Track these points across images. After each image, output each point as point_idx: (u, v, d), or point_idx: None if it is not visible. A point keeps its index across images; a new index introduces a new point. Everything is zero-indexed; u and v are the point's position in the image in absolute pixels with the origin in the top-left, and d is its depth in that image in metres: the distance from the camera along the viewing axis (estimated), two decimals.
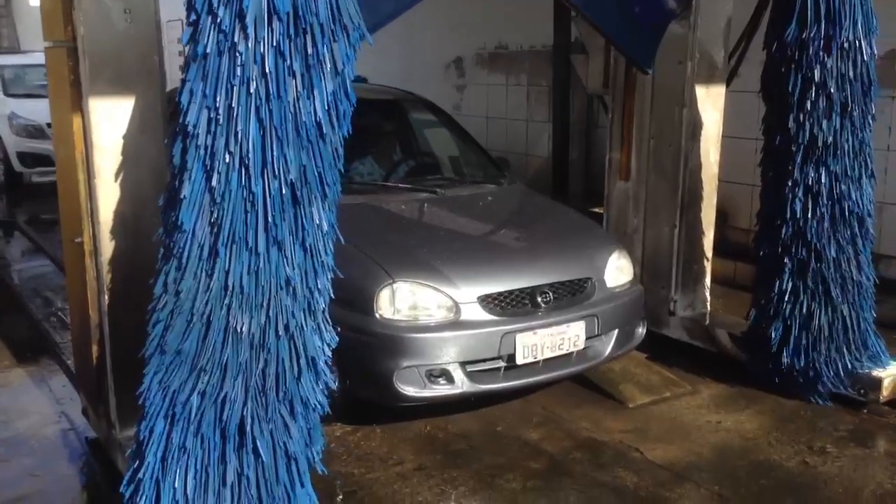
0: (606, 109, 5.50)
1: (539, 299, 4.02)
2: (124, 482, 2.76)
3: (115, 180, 3.21)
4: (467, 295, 3.92)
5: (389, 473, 3.64)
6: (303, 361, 2.70)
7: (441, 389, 3.85)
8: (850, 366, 4.23)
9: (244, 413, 2.63)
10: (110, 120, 3.19)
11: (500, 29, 8.99)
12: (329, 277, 2.77)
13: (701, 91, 4.83)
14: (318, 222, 2.64)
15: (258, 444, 2.66)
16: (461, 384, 3.86)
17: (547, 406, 4.35)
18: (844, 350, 4.22)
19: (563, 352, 4.05)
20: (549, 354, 4.00)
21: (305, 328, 2.68)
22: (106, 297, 3.29)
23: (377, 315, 3.83)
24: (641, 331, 4.49)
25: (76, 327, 3.75)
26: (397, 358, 3.79)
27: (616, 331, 4.27)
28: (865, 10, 3.90)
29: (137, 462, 2.71)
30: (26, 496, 3.48)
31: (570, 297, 4.15)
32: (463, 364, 3.86)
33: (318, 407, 2.81)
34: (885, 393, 4.20)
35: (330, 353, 2.83)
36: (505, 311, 3.97)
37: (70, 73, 3.20)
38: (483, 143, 6.29)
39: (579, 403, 4.40)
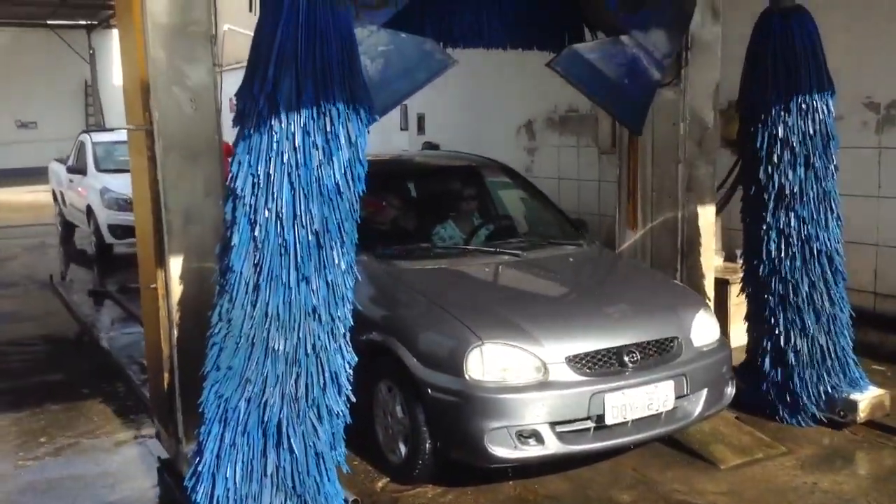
0: None
1: (626, 359, 4.00)
2: (188, 476, 3.43)
3: (183, 235, 3.95)
4: (555, 355, 3.92)
5: None
6: (327, 375, 3.34)
7: (531, 450, 3.85)
8: (830, 390, 4.68)
9: (281, 416, 3.28)
10: (178, 187, 3.93)
11: (570, 92, 9.01)
12: (349, 308, 3.41)
13: (694, 149, 5.41)
14: (337, 262, 3.30)
15: (292, 441, 3.30)
16: (551, 445, 3.84)
17: (637, 467, 4.31)
18: (824, 375, 4.69)
19: (653, 412, 4.01)
20: (638, 415, 3.97)
21: (329, 348, 3.33)
22: (175, 331, 4.00)
23: (467, 376, 3.86)
24: (730, 390, 4.43)
25: (151, 360, 4.49)
26: (487, 419, 3.80)
27: (705, 390, 4.21)
28: (821, 75, 4.48)
29: (198, 459, 3.38)
30: None
31: (657, 356, 4.12)
32: (552, 425, 3.85)
33: (341, 415, 3.43)
34: (863, 414, 4.64)
35: (350, 371, 3.45)
36: (593, 371, 3.96)
37: (147, 151, 3.98)
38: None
39: (670, 465, 4.35)
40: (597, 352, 4.00)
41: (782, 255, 4.61)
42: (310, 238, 3.23)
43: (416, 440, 4.08)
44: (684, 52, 5.23)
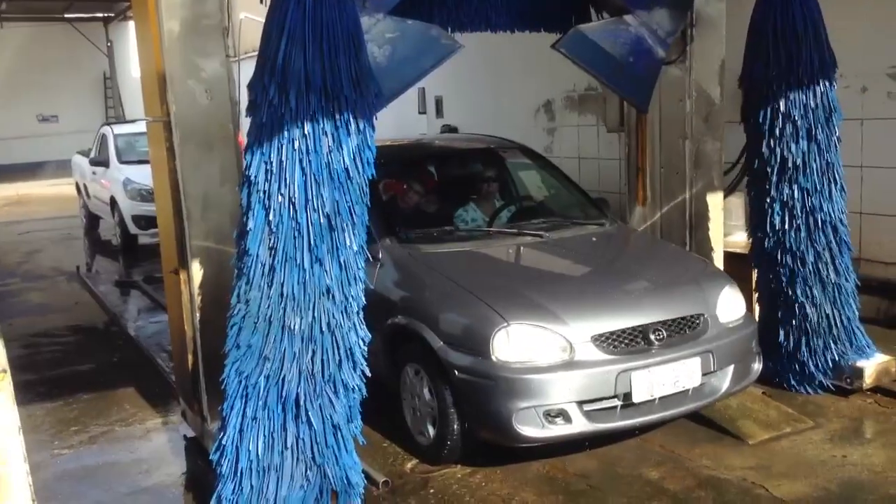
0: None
1: (652, 337, 4.01)
2: (213, 450, 3.60)
3: (202, 221, 4.11)
4: (581, 335, 3.94)
5: None
6: (342, 352, 3.48)
7: (559, 429, 3.88)
8: (837, 358, 4.78)
9: (298, 391, 3.44)
10: (196, 176, 4.10)
11: None
12: (361, 287, 3.55)
13: (700, 125, 5.48)
14: (349, 244, 3.44)
15: (310, 414, 3.46)
16: (579, 424, 3.88)
17: (665, 444, 4.32)
18: (831, 343, 4.78)
19: (680, 389, 4.03)
20: (665, 392, 3.99)
21: (343, 326, 3.47)
22: (198, 314, 4.17)
23: (493, 358, 3.89)
24: (757, 366, 4.42)
25: (175, 342, 4.67)
26: (515, 399, 3.83)
27: (732, 366, 4.22)
28: (821, 50, 4.54)
29: (222, 433, 3.54)
30: None
31: (683, 333, 4.13)
32: (580, 404, 3.88)
33: (357, 389, 3.58)
34: (868, 381, 4.74)
35: (364, 348, 3.59)
36: (619, 349, 3.97)
37: (165, 142, 4.15)
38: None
39: (697, 441, 4.36)
40: (622, 330, 4.02)
41: (787, 226, 4.69)
42: (322, 221, 3.36)
43: (443, 422, 4.13)
44: (689, 29, 5.30)
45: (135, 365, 6.33)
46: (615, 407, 3.96)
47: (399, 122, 11.58)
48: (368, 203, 3.55)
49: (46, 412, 5.32)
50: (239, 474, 3.48)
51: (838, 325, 4.76)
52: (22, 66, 23.84)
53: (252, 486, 3.48)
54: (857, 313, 4.86)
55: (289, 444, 3.48)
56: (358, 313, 3.55)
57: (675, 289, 4.44)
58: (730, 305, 4.37)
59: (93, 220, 13.02)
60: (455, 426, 4.10)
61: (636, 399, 3.93)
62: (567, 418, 3.88)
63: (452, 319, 4.16)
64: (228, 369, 3.50)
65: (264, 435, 3.46)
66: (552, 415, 3.87)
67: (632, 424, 4.05)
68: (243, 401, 3.46)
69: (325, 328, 3.43)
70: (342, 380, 3.52)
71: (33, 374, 6.08)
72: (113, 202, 11.16)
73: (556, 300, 4.13)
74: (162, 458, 4.67)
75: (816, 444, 4.31)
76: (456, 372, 3.99)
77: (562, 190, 5.82)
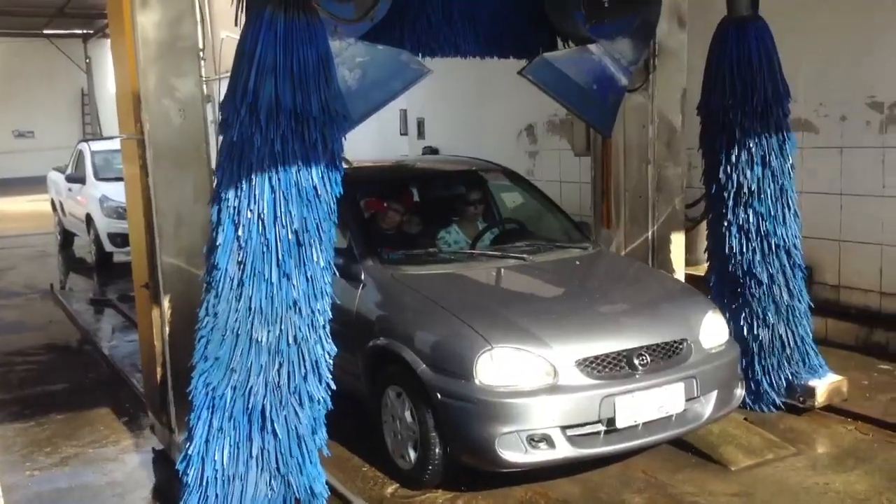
0: None
1: (636, 362, 4.01)
2: (179, 460, 3.67)
3: (173, 238, 4.20)
4: (565, 359, 3.93)
5: None
6: (308, 364, 3.58)
7: (542, 454, 3.85)
8: (790, 377, 4.94)
9: (264, 402, 3.52)
10: (169, 193, 4.19)
11: None
12: (328, 302, 3.66)
13: (663, 150, 5.67)
14: (316, 259, 3.54)
15: (275, 425, 3.55)
16: (562, 449, 3.85)
17: (647, 470, 4.31)
18: (784, 363, 4.94)
19: (663, 415, 4.03)
20: (648, 417, 3.98)
21: (309, 339, 3.57)
22: (167, 327, 4.26)
23: (476, 381, 3.87)
24: (740, 392, 4.45)
25: (145, 356, 4.74)
26: (498, 423, 3.81)
27: (715, 392, 4.22)
28: (775, 81, 4.75)
29: (188, 443, 3.62)
30: None
31: (666, 359, 4.13)
32: (563, 428, 3.86)
33: (322, 401, 3.67)
34: (821, 399, 4.90)
35: (330, 361, 3.68)
36: (602, 374, 3.96)
37: (139, 159, 4.25)
38: None
39: (680, 467, 4.36)
40: (606, 355, 4.01)
41: (743, 249, 4.86)
42: (290, 237, 3.47)
43: (425, 445, 4.11)
44: (652, 58, 5.52)
45: (108, 385, 6.33)
46: (599, 432, 3.95)
47: (381, 143, 11.69)
48: (336, 220, 3.66)
49: (17, 432, 5.30)
50: (204, 484, 3.55)
51: (791, 344, 4.93)
52: None
53: (217, 496, 3.55)
54: (810, 334, 5.03)
55: (254, 454, 3.56)
56: (324, 327, 3.65)
57: (659, 313, 4.46)
58: (713, 331, 4.38)
59: (68, 237, 13.00)
60: (437, 450, 4.08)
61: (620, 424, 3.93)
62: (550, 443, 3.86)
63: (435, 342, 4.16)
64: (196, 381, 3.58)
65: (230, 445, 3.54)
66: (535, 439, 3.86)
67: (615, 450, 4.05)
68: (210, 412, 3.55)
69: (291, 341, 3.53)
70: (307, 392, 3.61)
71: (5, 393, 6.07)
72: (89, 219, 11.13)
73: (539, 324, 4.12)
74: (136, 480, 4.66)
75: (799, 471, 4.32)
76: (438, 395, 3.98)
77: (544, 213, 5.86)
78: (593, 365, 3.98)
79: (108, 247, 10.73)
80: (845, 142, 6.45)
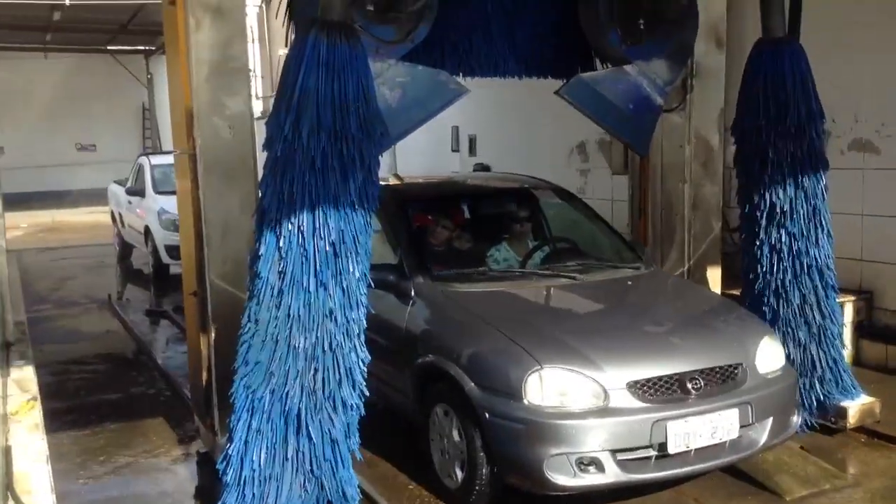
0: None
1: (689, 386, 3.93)
2: (220, 459, 3.86)
3: (221, 247, 4.42)
4: (616, 381, 3.86)
5: None
6: (342, 370, 3.74)
7: (592, 478, 3.78)
8: (822, 398, 4.95)
9: (300, 406, 3.70)
10: (218, 205, 4.42)
11: None
12: (363, 312, 3.82)
13: (699, 169, 5.75)
14: (352, 271, 3.71)
15: (310, 429, 3.71)
16: (612, 473, 3.78)
17: (700, 498, 4.21)
18: (816, 384, 4.95)
19: (716, 441, 3.94)
20: (701, 443, 3.89)
21: (344, 346, 3.74)
22: (213, 334, 4.47)
23: (525, 401, 3.83)
24: (797, 419, 4.36)
25: (192, 361, 4.96)
26: (547, 445, 3.76)
27: (770, 419, 4.13)
28: (808, 100, 4.80)
29: (228, 444, 3.81)
30: None
31: (721, 383, 4.04)
32: (613, 452, 3.79)
33: (355, 407, 3.83)
34: (852, 421, 4.91)
35: (364, 368, 3.84)
36: (654, 397, 3.89)
37: (191, 173, 4.48)
38: None
39: (733, 495, 4.26)
40: (659, 378, 3.94)
41: (775, 269, 4.91)
42: (327, 249, 3.65)
43: (472, 465, 4.08)
44: (689, 78, 5.61)
45: (162, 395, 6.44)
46: (650, 457, 3.87)
47: (433, 159, 11.81)
48: (371, 233, 3.83)
49: (73, 441, 5.40)
50: (242, 483, 3.73)
51: (823, 365, 4.94)
52: (63, 96, 24.65)
53: (254, 495, 3.72)
54: (843, 355, 5.04)
55: (289, 456, 3.73)
56: (359, 335, 3.81)
57: (714, 337, 4.39)
58: (769, 355, 4.31)
59: (126, 249, 13.23)
60: (484, 470, 4.04)
61: (671, 450, 3.85)
62: (600, 467, 3.79)
63: (483, 360, 4.14)
64: (237, 384, 3.77)
65: (267, 447, 3.71)
66: (584, 463, 3.79)
67: (666, 476, 3.97)
68: (249, 414, 3.73)
69: (327, 348, 3.70)
70: (342, 397, 3.77)
71: (62, 401, 6.18)
72: (147, 231, 11.33)
73: (590, 344, 4.07)
74: (186, 490, 4.75)
75: (856, 503, 4.24)
76: (486, 414, 3.95)
77: (596, 232, 5.75)
78: (645, 388, 3.92)
79: (165, 259, 10.86)
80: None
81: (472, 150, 11.68)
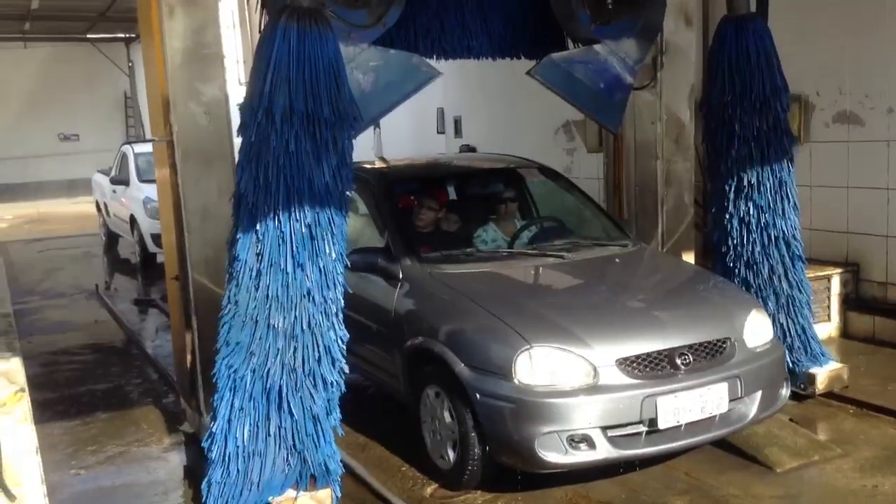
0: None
1: (678, 361, 3.96)
2: (205, 438, 3.97)
3: (200, 232, 4.50)
4: (605, 358, 3.88)
5: None
6: (321, 348, 3.85)
7: (583, 455, 3.83)
8: (791, 365, 5.09)
9: (281, 383, 3.80)
10: (197, 190, 4.50)
11: None
12: (340, 291, 3.92)
13: (671, 146, 5.85)
14: (328, 251, 3.81)
15: (291, 405, 3.82)
16: (603, 450, 3.82)
17: (690, 472, 4.25)
18: (786, 352, 5.08)
19: (706, 415, 3.97)
20: (691, 418, 3.92)
21: (322, 325, 3.84)
22: (195, 317, 4.56)
23: (516, 380, 3.85)
24: (785, 392, 4.38)
25: (176, 344, 5.06)
26: (538, 424, 3.79)
27: (759, 392, 4.16)
28: (773, 77, 4.91)
29: (213, 422, 3.92)
30: None
31: (709, 358, 4.07)
32: (604, 429, 3.82)
33: (335, 384, 3.93)
34: (821, 386, 5.07)
35: (342, 346, 3.93)
36: (644, 373, 3.91)
37: (169, 159, 4.56)
38: None
39: (724, 469, 4.30)
40: (648, 354, 3.96)
41: (744, 241, 5.04)
42: (303, 231, 3.74)
43: (464, 445, 4.12)
44: (659, 56, 5.70)
45: (152, 384, 6.46)
46: (640, 433, 3.91)
47: (418, 141, 11.83)
48: (347, 215, 3.93)
49: (63, 431, 5.40)
50: (227, 459, 3.84)
51: (792, 334, 5.09)
52: (44, 86, 24.43)
53: (239, 471, 3.83)
54: (811, 323, 5.19)
55: (272, 432, 3.84)
56: (336, 314, 3.91)
57: (702, 312, 4.42)
58: (757, 329, 4.34)
59: (112, 239, 13.29)
60: (476, 450, 4.08)
61: (662, 425, 3.89)
62: (591, 444, 3.84)
63: (474, 341, 4.15)
64: (219, 364, 3.87)
65: (250, 424, 3.82)
66: (576, 440, 3.84)
67: (657, 451, 4.01)
68: (232, 392, 3.83)
69: (305, 327, 3.80)
70: (321, 375, 3.87)
71: (51, 392, 6.19)
72: (132, 220, 11.36)
73: (579, 322, 4.10)
74: (178, 479, 4.76)
75: (846, 473, 4.26)
76: (477, 394, 3.97)
77: (583, 210, 5.78)
78: (634, 364, 3.95)
79: (152, 247, 10.83)
80: (892, 134, 6.27)
81: (457, 131, 11.67)
